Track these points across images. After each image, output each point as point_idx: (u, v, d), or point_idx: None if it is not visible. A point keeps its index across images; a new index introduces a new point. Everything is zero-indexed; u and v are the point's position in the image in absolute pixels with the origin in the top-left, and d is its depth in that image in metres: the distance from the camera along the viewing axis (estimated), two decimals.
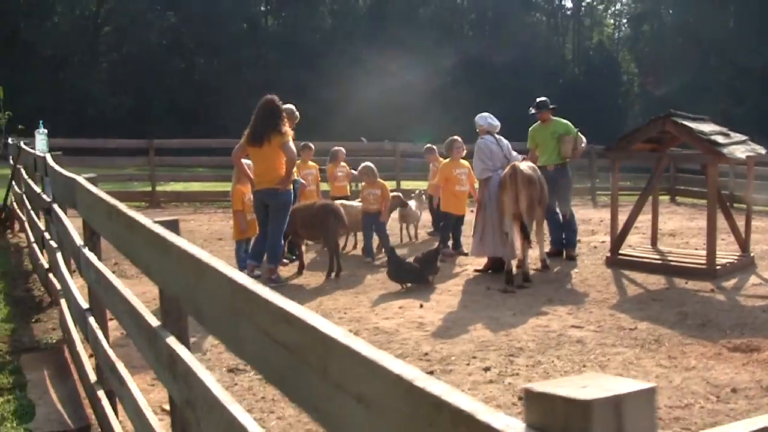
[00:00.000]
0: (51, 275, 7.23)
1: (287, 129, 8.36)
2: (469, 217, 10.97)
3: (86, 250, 4.14)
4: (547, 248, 10.05)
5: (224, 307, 1.86)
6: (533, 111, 10.50)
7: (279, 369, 1.56)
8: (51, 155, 5.90)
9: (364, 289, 8.53)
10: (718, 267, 9.18)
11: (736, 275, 9.33)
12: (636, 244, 11.07)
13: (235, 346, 1.85)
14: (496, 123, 9.55)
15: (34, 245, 8.76)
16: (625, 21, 64.09)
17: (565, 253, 10.40)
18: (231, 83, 45.98)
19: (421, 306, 7.67)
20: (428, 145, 13.10)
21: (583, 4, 62.88)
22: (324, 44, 48.19)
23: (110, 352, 3.72)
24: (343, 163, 12.39)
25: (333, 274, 9.05)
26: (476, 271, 9.47)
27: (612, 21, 66.58)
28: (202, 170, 22.34)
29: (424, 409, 1.11)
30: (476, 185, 10.60)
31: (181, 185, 18.99)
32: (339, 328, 1.36)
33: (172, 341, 2.42)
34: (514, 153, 9.63)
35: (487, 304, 7.78)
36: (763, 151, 10.09)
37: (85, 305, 4.46)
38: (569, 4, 63.51)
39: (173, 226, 2.60)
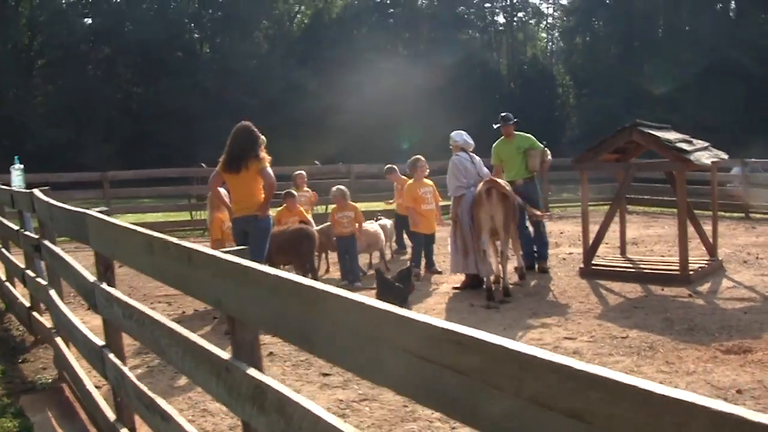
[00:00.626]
0: (35, 314, 7.05)
1: (264, 155, 8.29)
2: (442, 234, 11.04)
3: (105, 285, 4.05)
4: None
5: (353, 334, 1.83)
6: (497, 125, 10.60)
7: (447, 392, 1.54)
8: (39, 190, 5.76)
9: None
10: (690, 272, 9.36)
11: (709, 279, 9.53)
12: (603, 254, 11.23)
13: (372, 373, 1.82)
14: (471, 142, 9.65)
15: (7, 284, 8.52)
16: (557, 34, 65.20)
17: (537, 266, 10.49)
18: (169, 112, 45.66)
19: None
20: (388, 165, 13.11)
21: (515, 19, 63.91)
22: (261, 69, 48.12)
23: (143, 388, 3.64)
24: (306, 188, 12.36)
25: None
26: (455, 288, 9.49)
27: (545, 35, 67.76)
28: (148, 201, 21.99)
29: (668, 419, 1.12)
30: (441, 203, 10.73)
31: (134, 216, 18.68)
32: (529, 345, 1.36)
33: (254, 372, 2.38)
34: (485, 170, 9.71)
35: (474, 321, 7.79)
36: (725, 156, 10.37)
37: (99, 342, 4.35)
38: (501, 20, 64.50)
39: (245, 254, 2.56)
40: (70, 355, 5.43)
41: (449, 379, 1.52)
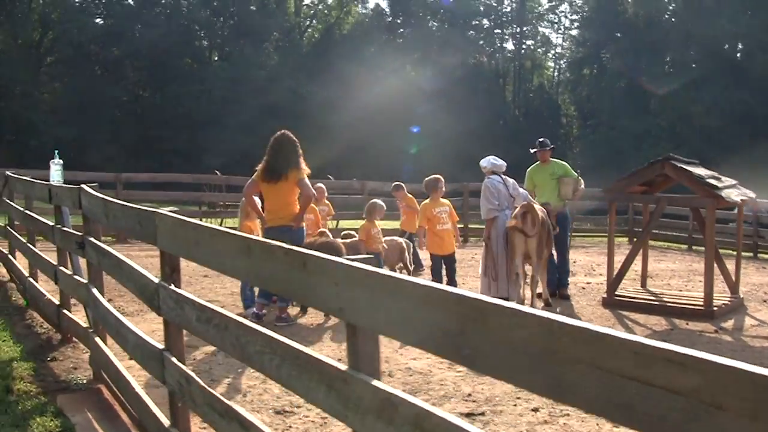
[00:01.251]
0: (66, 312, 6.95)
1: (304, 165, 8.25)
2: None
3: (173, 287, 3.98)
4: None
5: (526, 351, 1.77)
6: (534, 150, 10.60)
7: (654, 412, 1.49)
8: (89, 187, 5.68)
9: None
10: (714, 308, 9.33)
11: (732, 316, 9.49)
12: (623, 286, 11.17)
13: (554, 391, 1.76)
14: (500, 163, 9.63)
15: (30, 280, 8.42)
16: (564, 64, 65.44)
17: (558, 292, 10.45)
18: (175, 117, 45.70)
19: None
20: (396, 182, 13.04)
21: (524, 46, 64.12)
22: (270, 80, 48.15)
23: (217, 394, 3.56)
24: (325, 201, 12.31)
25: None
26: None
27: (552, 64, 67.98)
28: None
29: None
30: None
31: None
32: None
33: (381, 385, 2.32)
34: (521, 189, 9.68)
35: None
36: (753, 194, 10.37)
37: (158, 345, 4.27)
38: (510, 47, 64.71)
39: (373, 262, 2.50)
40: (113, 355, 5.34)
41: (659, 399, 1.48)
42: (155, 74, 47.97)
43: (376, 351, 2.53)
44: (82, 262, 6.50)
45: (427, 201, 10.39)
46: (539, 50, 67.11)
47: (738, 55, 54.95)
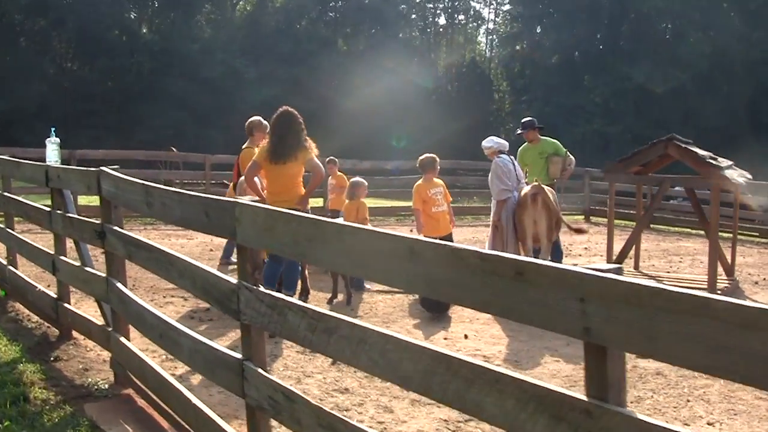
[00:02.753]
0: (69, 306, 6.34)
1: (311, 143, 7.75)
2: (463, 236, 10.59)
3: (268, 290, 3.49)
4: None
5: None
6: (519, 131, 10.29)
7: None
8: (110, 168, 5.09)
9: (389, 318, 7.97)
10: (718, 291, 9.18)
11: (733, 300, 9.35)
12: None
13: None
14: (504, 142, 9.27)
15: (10, 268, 7.72)
16: (497, 39, 65.29)
17: None
18: (105, 92, 44.21)
19: (466, 337, 7.23)
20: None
21: (456, 21, 63.97)
22: (202, 54, 46.90)
23: (340, 415, 3.10)
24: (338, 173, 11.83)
25: (347, 300, 8.47)
26: None
27: (484, 39, 67.98)
28: None
29: None
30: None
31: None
32: None
33: (641, 416, 1.93)
34: (521, 172, 9.36)
35: (529, 333, 7.39)
36: (749, 176, 10.25)
37: (235, 354, 3.78)
38: (442, 21, 64.52)
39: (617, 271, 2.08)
40: (150, 359, 4.80)
41: None
42: (83, 47, 46.15)
43: (623, 377, 2.14)
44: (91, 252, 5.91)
45: (421, 182, 9.87)
46: (471, 25, 66.98)
47: (668, 33, 55.76)
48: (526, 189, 8.67)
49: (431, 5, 62.93)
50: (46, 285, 7.34)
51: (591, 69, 51.04)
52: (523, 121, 10.41)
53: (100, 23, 44.42)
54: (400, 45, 56.84)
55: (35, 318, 7.10)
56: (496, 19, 66.08)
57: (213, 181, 16.49)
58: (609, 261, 9.80)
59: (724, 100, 49.33)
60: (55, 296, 6.53)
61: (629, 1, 51.23)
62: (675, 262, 12.68)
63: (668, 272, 11.10)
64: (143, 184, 4.53)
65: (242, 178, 8.47)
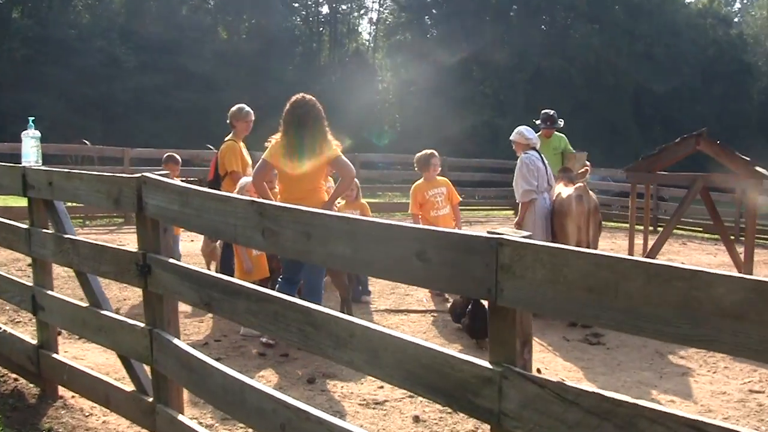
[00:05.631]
0: (54, 356, 4.71)
1: (331, 137, 6.32)
2: None
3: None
4: None
5: None
6: (542, 126, 9.16)
7: None
8: (158, 173, 3.56)
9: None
10: None
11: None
12: None
13: None
14: (535, 137, 8.03)
15: None
16: (383, 29, 64.34)
17: None
18: None
19: (539, 371, 6.00)
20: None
21: (340, 10, 62.88)
22: (80, 41, 44.02)
23: None
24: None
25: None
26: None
27: (369, 28, 67.20)
28: None
29: None
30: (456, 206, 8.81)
31: None
32: None
33: None
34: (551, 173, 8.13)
35: (601, 361, 6.24)
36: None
37: None
38: (325, 10, 63.36)
39: None
40: None
41: None
42: None
43: None
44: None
45: (420, 182, 8.55)
46: (354, 14, 66.08)
47: (555, 26, 56.28)
48: (567, 191, 7.49)
49: None
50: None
51: (480, 61, 50.79)
52: (549, 114, 9.31)
53: None
54: (283, 34, 55.48)
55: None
56: (381, 9, 65.16)
57: None
58: None
59: (610, 92, 50.15)
60: (35, 343, 4.86)
61: None
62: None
63: None
64: (254, 201, 3.06)
65: (242, 181, 6.94)
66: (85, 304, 4.35)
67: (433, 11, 57.61)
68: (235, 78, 49.51)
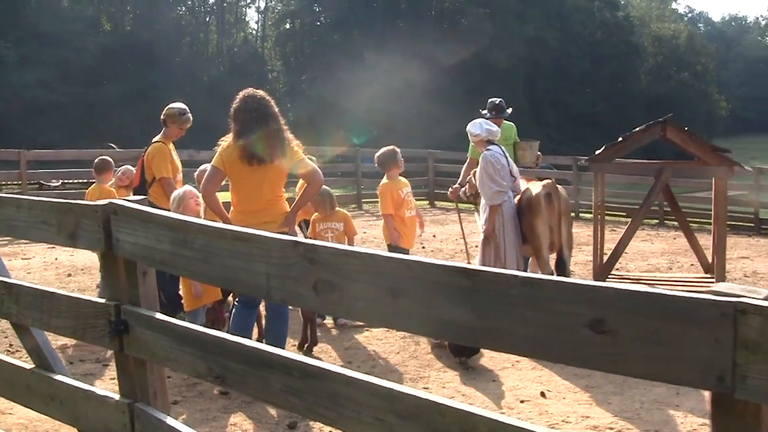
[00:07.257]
0: None
1: (293, 138, 5.45)
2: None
3: None
4: None
5: None
6: (490, 116, 8.30)
7: None
8: (131, 199, 2.66)
9: (408, 372, 5.85)
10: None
11: None
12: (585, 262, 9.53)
13: None
14: (495, 128, 7.25)
15: None
16: (272, 17, 62.93)
17: None
18: None
19: (543, 395, 5.32)
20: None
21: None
22: None
23: None
24: None
25: (305, 347, 6.29)
26: None
27: (257, 17, 66.17)
28: None
29: None
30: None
31: None
32: None
33: None
34: (515, 167, 7.38)
35: (607, 378, 5.62)
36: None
37: None
38: (212, 0, 62.12)
39: None
40: None
41: None
42: None
43: None
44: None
45: (387, 181, 7.58)
46: (241, 3, 64.91)
47: (446, 11, 56.32)
48: (534, 188, 6.79)
49: None
50: None
51: (371, 46, 49.96)
52: (496, 102, 8.45)
53: None
54: (169, 25, 53.97)
55: None
56: None
57: (30, 182, 13.44)
58: (596, 260, 8.21)
59: (503, 77, 50.23)
60: None
61: None
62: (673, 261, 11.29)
63: (654, 272, 9.82)
64: (298, 242, 2.21)
65: (177, 192, 5.90)
66: (28, 366, 3.39)
67: None
68: (121, 70, 47.80)
